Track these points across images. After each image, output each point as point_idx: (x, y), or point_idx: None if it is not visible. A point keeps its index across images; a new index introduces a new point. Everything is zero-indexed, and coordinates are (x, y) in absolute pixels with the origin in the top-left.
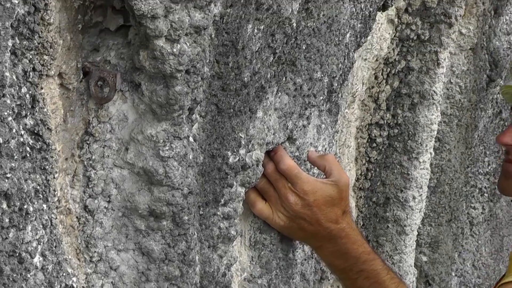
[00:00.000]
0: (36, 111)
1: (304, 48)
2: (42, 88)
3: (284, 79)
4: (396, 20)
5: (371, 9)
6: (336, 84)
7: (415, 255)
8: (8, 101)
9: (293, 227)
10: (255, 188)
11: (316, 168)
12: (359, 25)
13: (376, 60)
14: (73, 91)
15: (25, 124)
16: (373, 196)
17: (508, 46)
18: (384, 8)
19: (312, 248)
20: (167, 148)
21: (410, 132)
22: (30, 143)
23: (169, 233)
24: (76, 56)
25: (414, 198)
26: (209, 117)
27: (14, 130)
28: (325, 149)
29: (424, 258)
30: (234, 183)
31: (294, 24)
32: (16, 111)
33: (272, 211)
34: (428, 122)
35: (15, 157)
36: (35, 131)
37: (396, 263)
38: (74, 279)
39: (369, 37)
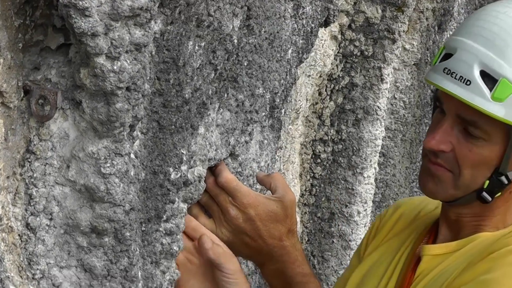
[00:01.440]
0: None
1: (245, 64)
2: None
3: (225, 95)
4: (339, 36)
5: (312, 25)
6: (278, 100)
7: None
8: None
9: (236, 243)
10: (198, 203)
11: (259, 184)
12: (301, 41)
13: (320, 76)
14: (14, 109)
15: None
16: (318, 211)
17: None
18: (326, 24)
19: (257, 266)
20: (108, 165)
21: (355, 148)
22: None
23: (111, 249)
24: (17, 74)
25: (359, 213)
26: (151, 134)
27: None
28: (268, 165)
29: None
30: (176, 199)
31: (235, 41)
32: None
33: (215, 226)
34: (372, 137)
35: None
36: None
37: None
38: None
39: (312, 54)
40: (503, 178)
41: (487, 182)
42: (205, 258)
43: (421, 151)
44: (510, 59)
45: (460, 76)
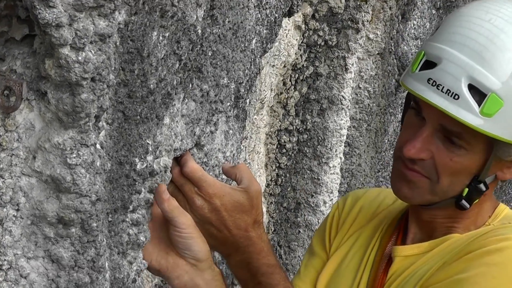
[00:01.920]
0: None
1: (210, 54)
2: None
3: (190, 85)
4: (303, 26)
5: (276, 15)
6: (243, 90)
7: None
8: None
9: (202, 233)
10: None
11: (224, 175)
12: (264, 31)
13: (284, 66)
14: None
15: None
16: (284, 201)
17: (416, 50)
18: (290, 14)
19: (223, 257)
20: (74, 155)
21: (320, 137)
22: None
23: (78, 240)
24: None
25: (325, 202)
26: (116, 124)
27: None
28: (233, 155)
29: None
30: (142, 189)
31: (200, 31)
32: None
33: None
34: (337, 127)
35: None
36: None
37: None
38: None
39: (276, 44)
40: (481, 185)
41: (466, 190)
42: (157, 214)
43: (386, 141)
44: (498, 73)
45: (448, 90)
